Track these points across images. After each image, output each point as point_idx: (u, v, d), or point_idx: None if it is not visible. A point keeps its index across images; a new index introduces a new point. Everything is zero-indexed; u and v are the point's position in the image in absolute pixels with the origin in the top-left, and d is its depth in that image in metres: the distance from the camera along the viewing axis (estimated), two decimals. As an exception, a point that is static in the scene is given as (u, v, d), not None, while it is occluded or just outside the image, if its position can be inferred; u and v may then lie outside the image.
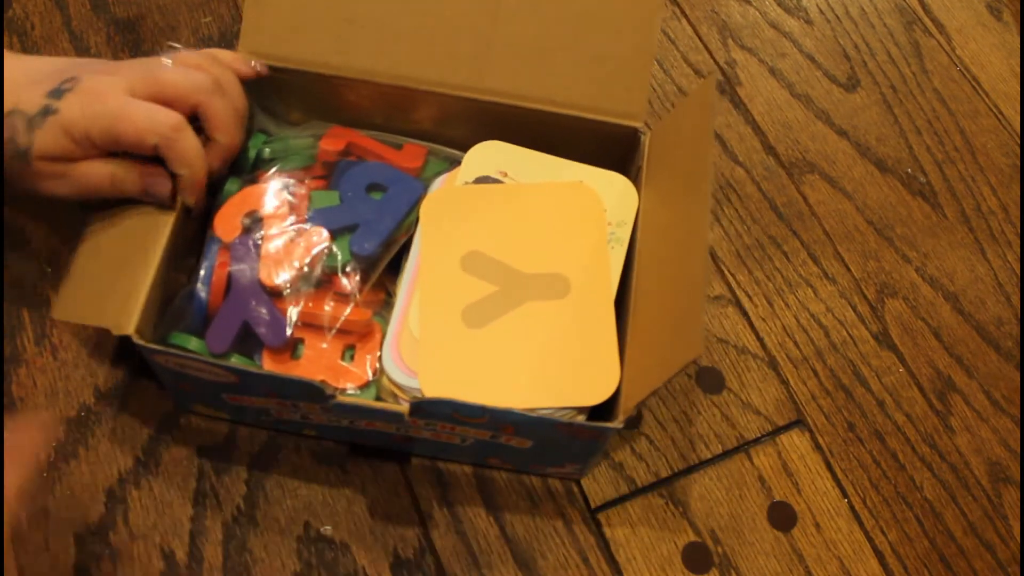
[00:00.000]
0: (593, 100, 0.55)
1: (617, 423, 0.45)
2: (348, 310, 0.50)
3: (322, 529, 0.52)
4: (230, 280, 0.50)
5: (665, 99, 0.70)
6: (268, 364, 0.50)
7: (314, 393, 0.46)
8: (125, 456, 0.53)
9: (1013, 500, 0.57)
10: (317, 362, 0.50)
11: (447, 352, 0.49)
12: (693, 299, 0.44)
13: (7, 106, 0.47)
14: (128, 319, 0.46)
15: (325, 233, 0.51)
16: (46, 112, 0.47)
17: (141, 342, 0.46)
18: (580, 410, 0.49)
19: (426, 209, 0.53)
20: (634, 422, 0.57)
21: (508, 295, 0.51)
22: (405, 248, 0.53)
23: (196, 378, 0.48)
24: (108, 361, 0.55)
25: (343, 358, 0.51)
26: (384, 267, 0.52)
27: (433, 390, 0.47)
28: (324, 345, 0.51)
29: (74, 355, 0.55)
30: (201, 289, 0.50)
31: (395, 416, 0.45)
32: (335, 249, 0.51)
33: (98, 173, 0.49)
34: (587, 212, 0.53)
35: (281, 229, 0.51)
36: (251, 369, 0.46)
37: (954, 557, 0.55)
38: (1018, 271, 0.65)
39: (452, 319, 0.50)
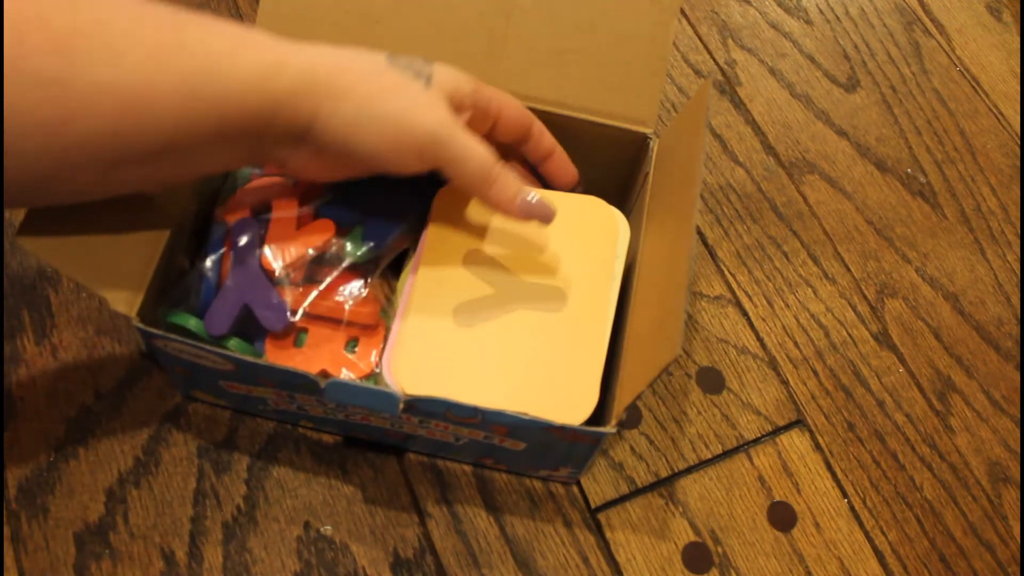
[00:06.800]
0: (604, 104, 0.55)
1: (611, 428, 0.45)
2: (350, 304, 0.51)
3: (322, 529, 0.52)
4: (233, 264, 0.50)
5: (665, 99, 0.70)
6: (270, 350, 0.50)
7: (308, 385, 0.46)
8: (125, 456, 0.53)
9: (1013, 500, 0.57)
10: (319, 349, 0.50)
11: (430, 346, 0.49)
12: (676, 301, 0.44)
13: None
14: (131, 302, 0.46)
15: (332, 227, 0.51)
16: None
17: (141, 325, 0.46)
18: None
19: (438, 202, 0.53)
20: (632, 423, 0.57)
21: (503, 300, 0.50)
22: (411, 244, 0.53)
23: (195, 364, 0.48)
24: (108, 361, 0.55)
25: (346, 349, 0.51)
26: (390, 263, 0.53)
27: (410, 384, 0.47)
28: (328, 335, 0.51)
29: (74, 355, 0.55)
30: (210, 274, 0.50)
31: (388, 399, 0.45)
32: (342, 243, 0.51)
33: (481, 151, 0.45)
34: (600, 228, 0.53)
35: (288, 220, 0.51)
36: (247, 358, 0.46)
37: (954, 557, 0.55)
38: (1018, 271, 0.65)
39: (443, 314, 0.50)
